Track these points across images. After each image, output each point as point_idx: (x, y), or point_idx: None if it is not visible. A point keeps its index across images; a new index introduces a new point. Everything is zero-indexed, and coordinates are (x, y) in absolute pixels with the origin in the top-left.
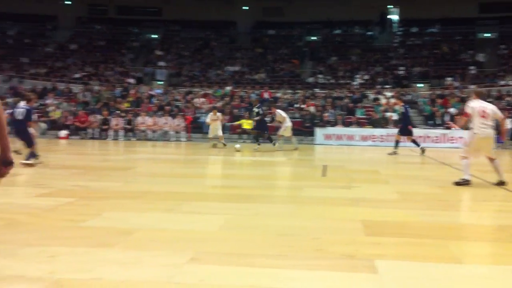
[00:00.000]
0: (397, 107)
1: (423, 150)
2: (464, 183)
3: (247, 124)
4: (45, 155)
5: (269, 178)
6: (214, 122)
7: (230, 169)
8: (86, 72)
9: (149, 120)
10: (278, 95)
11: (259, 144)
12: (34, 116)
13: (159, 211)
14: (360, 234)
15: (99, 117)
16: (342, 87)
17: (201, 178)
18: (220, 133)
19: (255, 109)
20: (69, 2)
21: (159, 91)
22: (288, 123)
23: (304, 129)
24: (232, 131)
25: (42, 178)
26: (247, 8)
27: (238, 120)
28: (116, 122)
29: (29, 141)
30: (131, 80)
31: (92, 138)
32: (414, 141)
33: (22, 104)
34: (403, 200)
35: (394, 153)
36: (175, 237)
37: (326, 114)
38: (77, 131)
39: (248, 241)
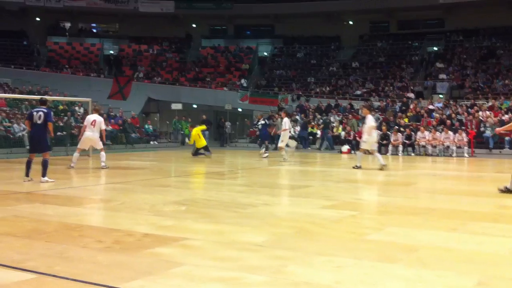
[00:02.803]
0: None
1: None
2: None
3: None
4: (329, 170)
5: None
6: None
7: None
8: (366, 89)
9: (429, 135)
10: None
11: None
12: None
13: (443, 229)
14: None
15: (379, 132)
16: None
17: (488, 196)
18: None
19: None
20: (352, 22)
21: (439, 104)
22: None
23: None
24: None
25: (327, 191)
26: None
27: None
28: (395, 137)
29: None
30: (411, 95)
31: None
32: None
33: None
34: None
35: None
36: (460, 257)
37: None
38: (358, 146)
39: None
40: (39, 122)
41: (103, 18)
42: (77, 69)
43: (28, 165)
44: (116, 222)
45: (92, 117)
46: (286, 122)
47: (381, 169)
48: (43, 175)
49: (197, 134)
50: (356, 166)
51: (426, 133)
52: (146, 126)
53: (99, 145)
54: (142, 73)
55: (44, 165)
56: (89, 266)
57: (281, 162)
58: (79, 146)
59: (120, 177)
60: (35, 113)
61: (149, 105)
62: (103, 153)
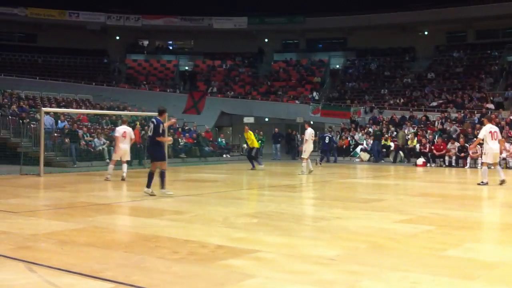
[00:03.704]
0: None
1: None
2: None
3: None
4: (403, 182)
5: None
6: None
7: None
8: (443, 100)
9: (510, 147)
10: None
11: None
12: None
13: None
14: None
15: (456, 144)
16: None
17: None
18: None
19: None
20: (427, 33)
21: None
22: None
23: None
24: None
25: (402, 205)
26: None
27: None
28: (474, 150)
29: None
30: (491, 106)
31: (449, 165)
32: None
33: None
34: None
35: None
36: None
37: None
38: (434, 159)
39: None
40: (149, 134)
41: (179, 35)
42: (154, 85)
43: (150, 176)
44: (190, 233)
45: (122, 128)
46: (308, 133)
47: (501, 183)
48: (162, 187)
49: (253, 136)
50: (482, 182)
51: (507, 145)
52: (219, 140)
53: (128, 156)
54: (216, 88)
55: (162, 176)
56: (165, 276)
57: (299, 174)
58: (114, 158)
59: (193, 189)
60: (150, 125)
61: (222, 119)
62: (125, 165)
